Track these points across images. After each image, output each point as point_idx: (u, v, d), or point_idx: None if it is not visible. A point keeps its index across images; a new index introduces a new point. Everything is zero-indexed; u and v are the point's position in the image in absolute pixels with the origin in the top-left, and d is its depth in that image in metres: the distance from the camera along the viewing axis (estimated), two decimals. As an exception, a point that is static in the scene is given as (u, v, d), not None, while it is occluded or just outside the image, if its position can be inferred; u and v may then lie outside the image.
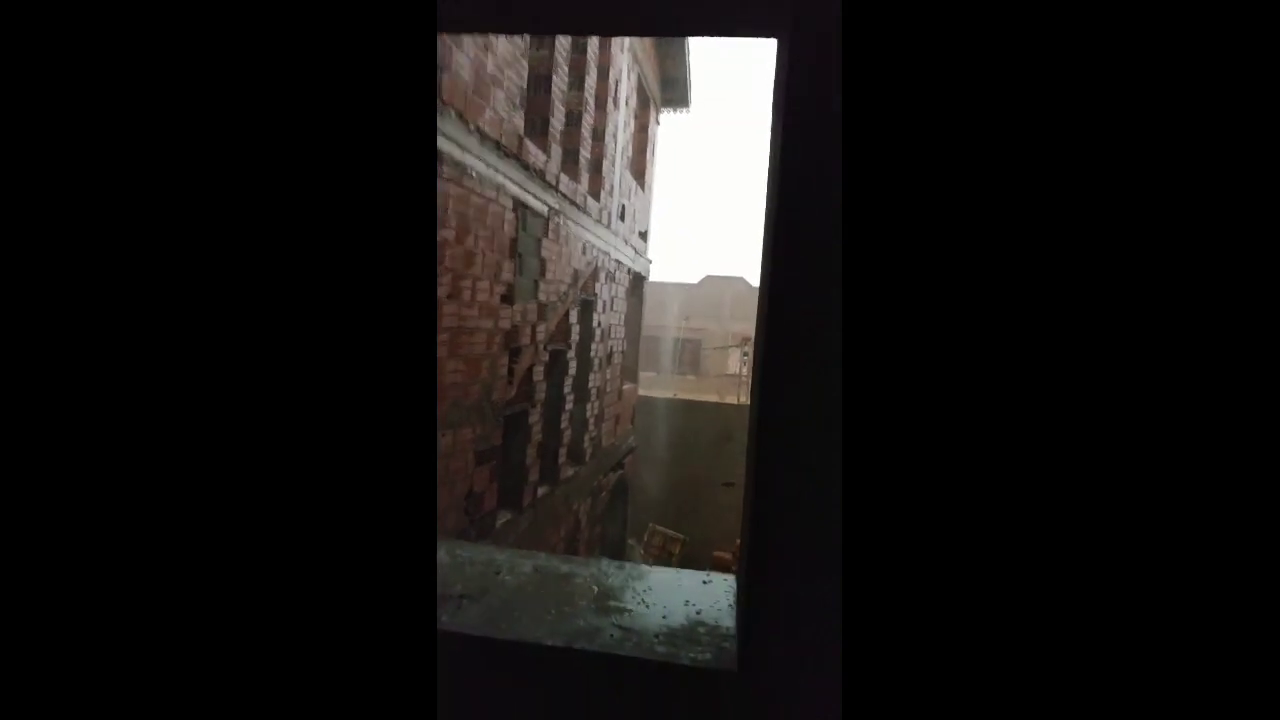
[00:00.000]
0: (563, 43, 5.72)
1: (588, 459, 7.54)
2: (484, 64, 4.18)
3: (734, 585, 1.44)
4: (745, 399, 14.57)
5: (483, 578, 1.41)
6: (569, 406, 6.75)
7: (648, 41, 8.60)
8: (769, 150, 1.18)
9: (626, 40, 7.34)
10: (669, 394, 14.32)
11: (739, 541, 1.50)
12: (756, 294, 1.17)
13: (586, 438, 7.48)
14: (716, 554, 10.64)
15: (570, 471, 6.95)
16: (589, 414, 7.49)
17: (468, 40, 3.96)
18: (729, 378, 18.39)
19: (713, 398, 14.81)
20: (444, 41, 3.76)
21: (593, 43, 6.53)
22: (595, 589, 1.38)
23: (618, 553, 9.52)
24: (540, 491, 6.03)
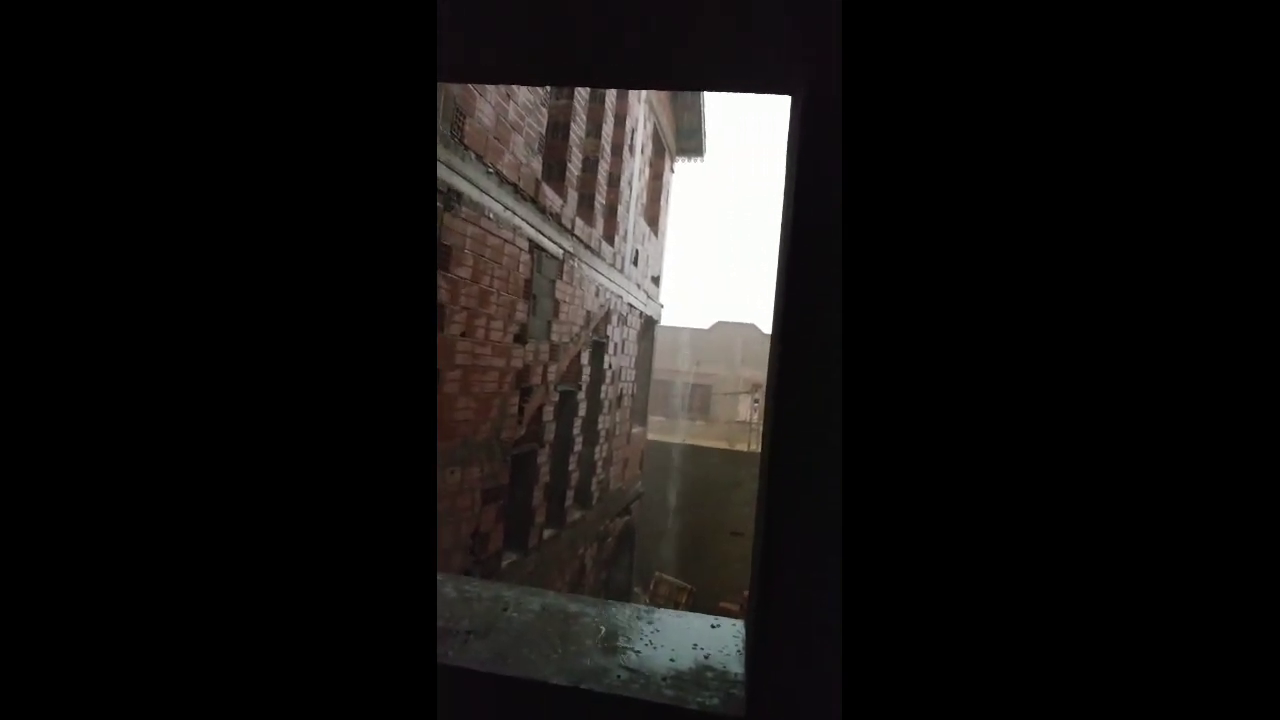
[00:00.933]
0: (581, 92, 5.95)
1: (595, 503, 7.47)
2: (505, 110, 4.35)
3: (743, 630, 1.43)
4: (755, 446, 14.44)
5: (490, 614, 1.40)
6: (578, 448, 6.73)
7: (664, 93, 8.90)
8: (783, 202, 1.23)
9: (644, 91, 7.61)
10: (678, 439, 14.23)
11: (746, 593, 1.48)
12: (768, 340, 1.20)
13: (594, 481, 7.42)
14: (723, 605, 10.38)
15: (577, 515, 6.88)
16: (597, 456, 7.45)
17: (491, 88, 4.14)
18: (739, 424, 18.26)
19: (722, 444, 14.70)
20: (467, 88, 3.94)
21: (610, 92, 6.77)
22: (602, 629, 1.37)
23: (623, 600, 9.30)
24: (546, 534, 5.97)
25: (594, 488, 7.43)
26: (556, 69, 1.08)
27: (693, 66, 1.04)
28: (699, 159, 10.59)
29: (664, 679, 1.19)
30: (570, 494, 6.67)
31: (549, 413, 5.72)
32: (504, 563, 5.02)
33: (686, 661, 1.28)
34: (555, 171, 5.63)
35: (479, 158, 4.07)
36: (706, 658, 1.30)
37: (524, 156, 4.67)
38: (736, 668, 1.27)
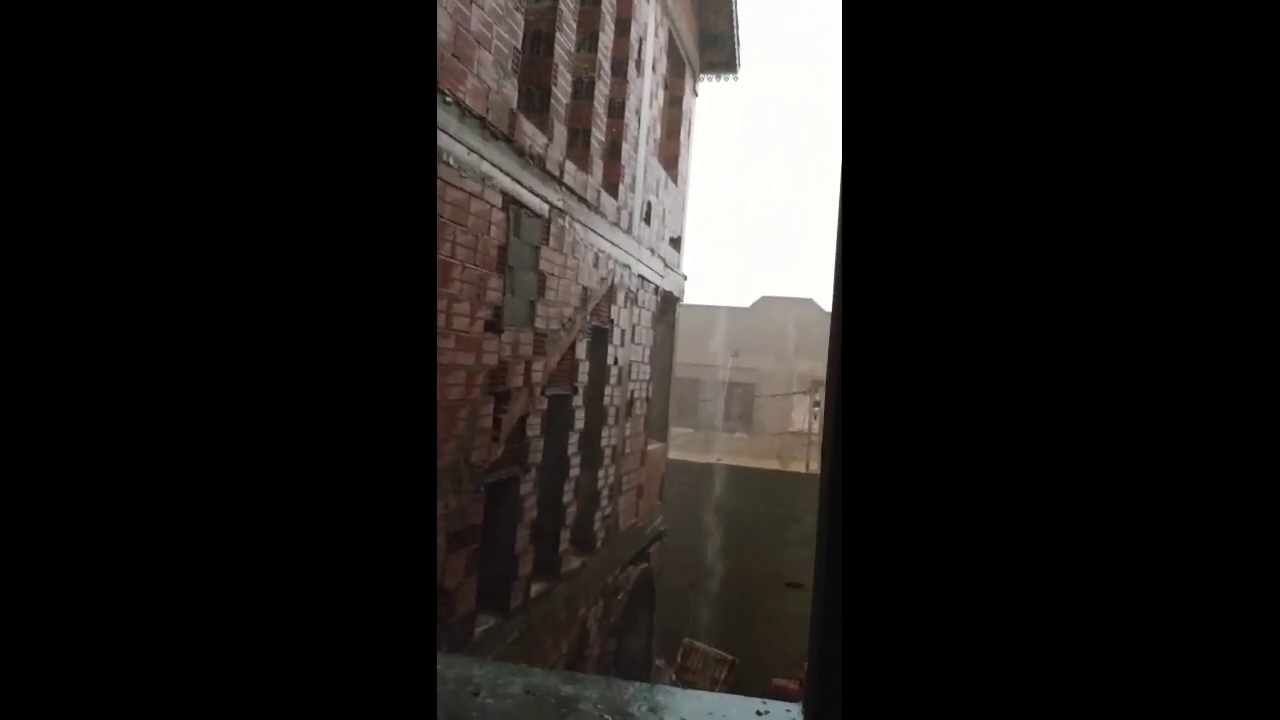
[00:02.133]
0: (570, -10, 5.94)
1: (599, 546, 7.51)
2: (466, 18, 4.36)
3: (800, 718, 1.42)
4: (816, 465, 14.44)
5: (456, 700, 1.42)
6: (574, 473, 6.77)
7: (683, -13, 8.89)
8: (842, 121, 1.21)
9: (654, -14, 7.59)
10: (711, 458, 14.27)
11: (807, 665, 1.48)
12: (829, 321, 1.18)
13: (598, 516, 7.46)
14: (777, 682, 10.41)
15: (576, 563, 6.92)
16: (602, 483, 7.49)
17: (447, -11, 4.15)
18: (794, 435, 18.27)
19: (772, 463, 14.72)
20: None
21: (610, -10, 6.76)
22: (608, 718, 1.37)
23: (640, 678, 9.38)
24: (535, 590, 6.01)
25: (598, 526, 7.47)
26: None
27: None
28: (731, 76, 10.56)
29: (693, 785, 1.19)
30: (566, 535, 6.72)
31: (535, 425, 5.75)
32: (478, 629, 5.06)
33: (723, 761, 1.27)
34: (536, 99, 5.64)
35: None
36: (751, 755, 1.30)
37: (493, 80, 4.68)
38: (792, 769, 1.27)
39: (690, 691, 1.57)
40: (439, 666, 1.56)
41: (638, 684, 1.60)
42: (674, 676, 10.78)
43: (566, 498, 6.66)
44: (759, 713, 1.51)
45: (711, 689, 10.58)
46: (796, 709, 1.53)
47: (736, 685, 10.73)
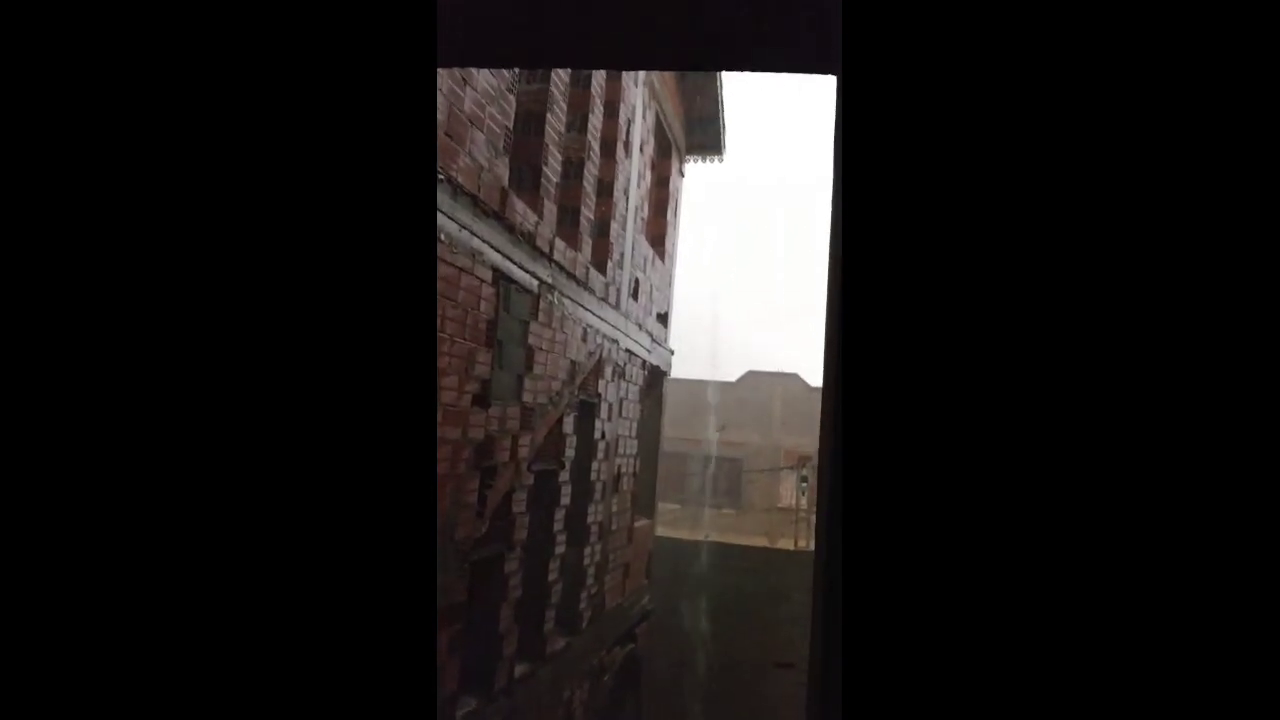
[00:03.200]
0: (560, 73, 6.14)
1: (585, 626, 7.34)
2: (460, 98, 4.48)
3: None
4: (806, 542, 14.29)
5: (440, 791, 1.36)
6: (560, 550, 6.66)
7: (669, 74, 9.20)
8: (831, 210, 1.24)
9: (641, 71, 7.86)
10: (699, 534, 14.10)
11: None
12: (815, 396, 1.18)
13: (584, 595, 7.31)
14: (769, 770, 10.06)
15: (561, 643, 6.75)
16: (588, 561, 7.36)
17: (440, 71, 4.28)
18: (782, 511, 18.11)
19: (760, 540, 14.55)
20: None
21: (599, 72, 6.99)
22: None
23: (626, 766, 9.04)
24: (519, 671, 5.84)
25: (584, 605, 7.31)
26: (560, 47, 1.13)
27: (710, 40, 1.08)
28: (717, 158, 10.85)
29: None
30: (551, 615, 6.56)
31: (520, 501, 5.68)
32: (459, 712, 4.89)
33: None
34: (527, 178, 5.76)
35: (426, 162, 4.17)
36: None
37: (485, 159, 4.79)
38: None
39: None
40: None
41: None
42: (661, 764, 10.41)
43: (552, 576, 6.53)
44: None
45: (700, 777, 10.21)
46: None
47: (726, 773, 10.37)
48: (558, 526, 6.56)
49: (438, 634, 4.52)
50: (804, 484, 17.43)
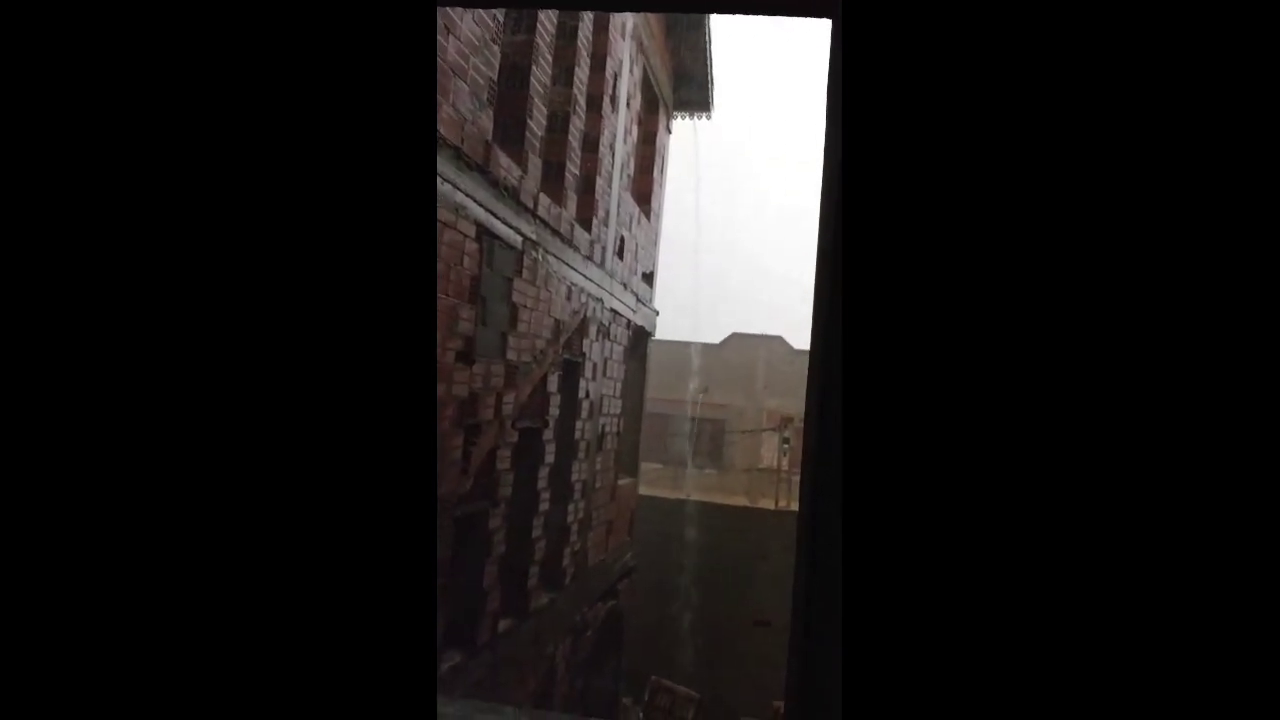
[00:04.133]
0: (546, 24, 6.01)
1: (568, 582, 7.41)
2: (443, 48, 4.37)
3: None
4: (786, 502, 14.45)
5: (422, 745, 1.36)
6: (544, 507, 6.69)
7: (657, 26, 9.03)
8: (823, 168, 1.21)
9: (629, 23, 7.71)
10: (681, 494, 14.21)
11: (778, 706, 1.46)
12: (799, 358, 1.17)
13: (567, 552, 7.37)
14: (746, 722, 10.30)
15: (544, 599, 6.81)
16: (571, 519, 7.41)
17: (425, 21, 4.17)
18: (764, 472, 18.28)
19: (741, 500, 14.70)
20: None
21: (586, 24, 6.85)
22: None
23: (608, 716, 9.22)
24: (502, 625, 5.90)
25: (567, 561, 7.37)
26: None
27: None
28: (704, 115, 10.72)
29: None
30: (535, 571, 6.61)
31: (504, 459, 5.68)
32: (444, 666, 4.94)
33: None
34: (511, 131, 5.66)
35: (408, 113, 4.08)
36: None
37: (469, 111, 4.69)
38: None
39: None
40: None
41: (609, 726, 1.57)
42: (641, 715, 10.62)
43: (535, 532, 6.57)
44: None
45: (679, 730, 10.43)
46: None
47: (705, 726, 10.59)
48: (541, 484, 6.58)
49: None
50: (786, 445, 17.57)
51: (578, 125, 6.86)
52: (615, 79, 7.67)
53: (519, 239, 5.62)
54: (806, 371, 1.17)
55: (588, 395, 7.60)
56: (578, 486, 7.53)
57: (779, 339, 22.46)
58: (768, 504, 14.42)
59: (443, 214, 4.48)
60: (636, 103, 8.71)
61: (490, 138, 5.05)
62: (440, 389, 4.61)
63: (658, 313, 10.36)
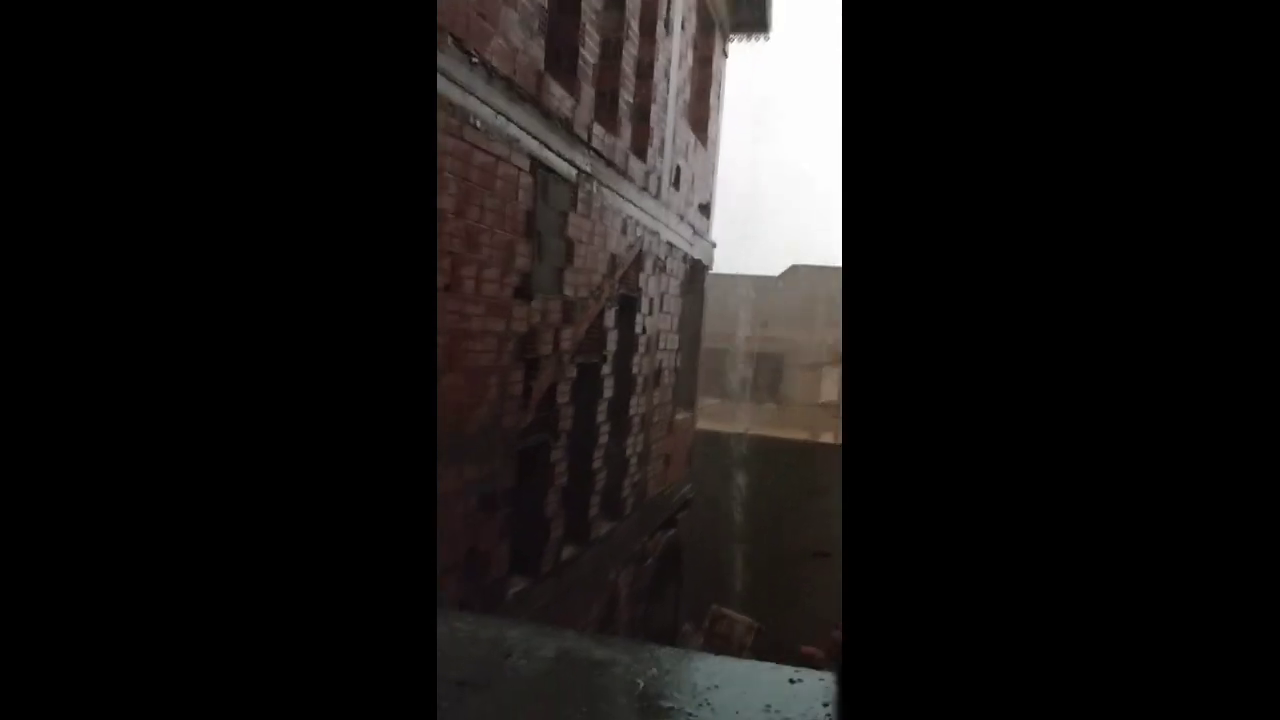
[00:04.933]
0: (599, -51, 5.83)
1: (628, 512, 7.55)
2: (494, -22, 4.29)
3: (832, 686, 1.41)
4: (847, 435, 14.32)
5: (490, 661, 1.42)
6: (604, 440, 6.79)
7: (713, -54, 8.68)
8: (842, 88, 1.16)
9: (684, -56, 7.43)
10: (739, 428, 14.24)
11: (837, 633, 1.47)
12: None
13: (627, 483, 7.49)
14: (805, 650, 10.45)
15: (605, 528, 6.97)
16: (630, 451, 7.50)
17: (473, -52, 4.08)
18: (823, 407, 18.18)
19: (801, 434, 14.66)
20: (442, -50, 3.88)
21: (639, -52, 6.63)
22: (640, 683, 1.36)
23: (669, 641, 9.47)
24: (565, 554, 6.06)
25: (626, 493, 7.50)
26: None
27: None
28: (763, 37, 10.35)
29: (728, 751, 1.18)
30: (595, 501, 6.75)
31: (564, 393, 5.75)
32: (510, 592, 5.12)
33: (757, 727, 1.26)
34: (564, 60, 5.56)
35: (458, 42, 4.03)
36: (786, 722, 1.28)
37: (520, 40, 4.61)
38: (828, 736, 1.25)
39: (723, 659, 1.56)
40: (472, 626, 1.57)
41: (670, 649, 1.60)
42: (702, 642, 10.88)
43: (596, 464, 6.68)
44: (791, 681, 1.49)
45: (739, 655, 10.67)
46: (830, 678, 1.51)
47: (763, 652, 10.80)
48: (600, 418, 6.66)
49: (486, 529, 4.69)
50: (846, 378, 17.37)
51: (631, 51, 6.70)
52: (669, 1, 7.44)
53: (573, 171, 5.57)
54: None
55: (644, 330, 7.61)
56: (636, 420, 7.60)
57: (840, 270, 22.03)
58: (828, 439, 14.37)
59: (496, 148, 4.46)
60: (691, 25, 8.45)
61: (542, 67, 4.97)
62: (500, 325, 4.66)
63: (715, 245, 10.23)
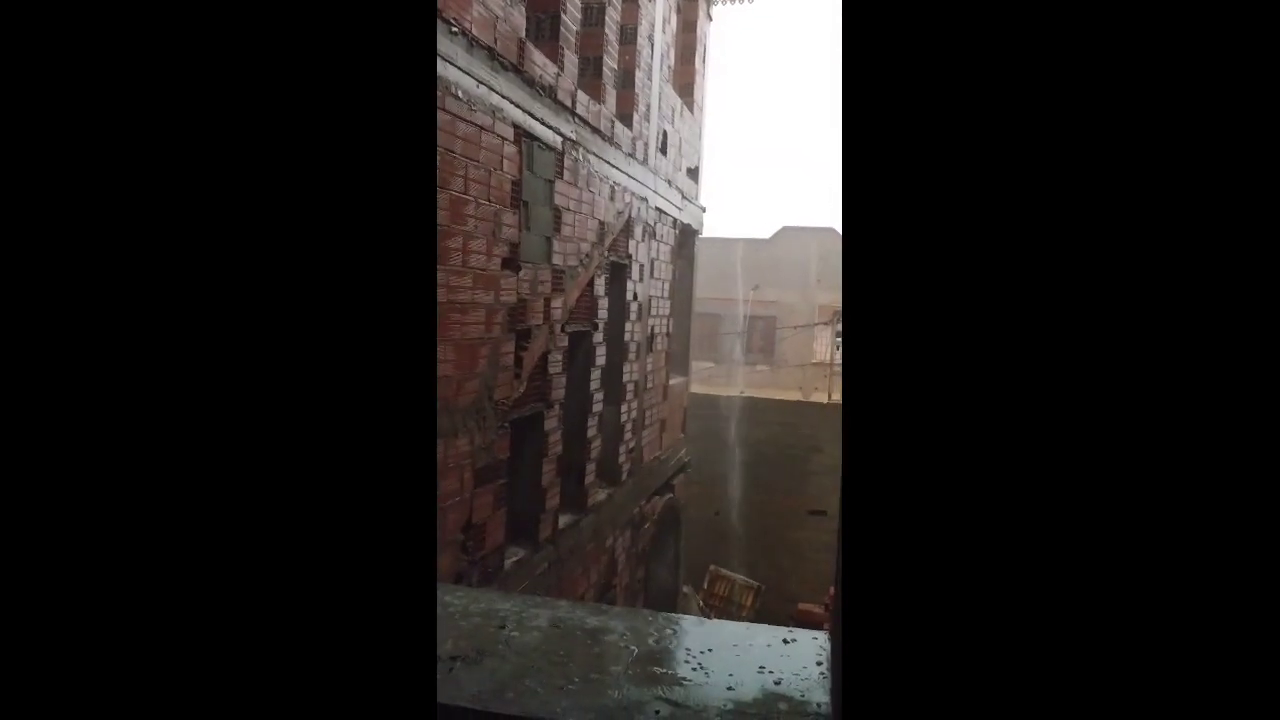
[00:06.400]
0: (577, -90, 5.69)
1: (625, 478, 7.59)
2: (471, -57, 4.19)
3: (828, 646, 1.41)
4: (840, 395, 14.41)
5: (481, 634, 1.42)
6: (597, 408, 6.79)
7: (694, -96, 8.49)
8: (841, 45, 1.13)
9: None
10: (733, 390, 14.29)
11: (833, 590, 1.47)
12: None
13: (622, 450, 7.52)
14: (802, 608, 10.61)
15: (602, 495, 7.00)
16: (625, 418, 7.52)
17: (448, -88, 3.98)
18: (816, 367, 18.22)
19: (794, 394, 14.71)
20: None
21: (618, -92, 6.47)
22: (635, 649, 1.37)
23: (668, 605, 9.58)
24: (562, 522, 6.10)
25: (623, 459, 7.53)
26: None
27: None
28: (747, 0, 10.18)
29: (720, 715, 1.19)
30: (591, 468, 6.77)
31: (556, 362, 5.74)
32: (508, 561, 5.15)
33: (751, 690, 1.27)
34: (546, 27, 5.46)
35: (438, 12, 3.95)
36: (778, 684, 1.29)
37: (501, 8, 4.52)
38: (819, 696, 1.27)
39: (717, 622, 1.56)
40: (464, 601, 1.57)
41: (664, 615, 1.60)
42: (701, 603, 11.01)
43: (590, 432, 6.69)
44: (786, 640, 1.50)
45: (739, 615, 10.81)
46: (824, 636, 1.51)
47: (762, 611, 10.95)
48: (594, 385, 6.66)
49: (482, 501, 4.70)
50: (839, 338, 17.42)
51: (614, 16, 6.58)
52: (651, -36, 7.29)
53: (558, 139, 5.49)
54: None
55: (635, 296, 7.58)
56: (630, 387, 7.60)
57: (830, 230, 21.94)
58: (821, 398, 14.42)
59: (479, 118, 4.39)
60: (674, -12, 8.30)
61: (524, 35, 4.88)
62: (488, 296, 4.63)
63: (704, 209, 10.16)
